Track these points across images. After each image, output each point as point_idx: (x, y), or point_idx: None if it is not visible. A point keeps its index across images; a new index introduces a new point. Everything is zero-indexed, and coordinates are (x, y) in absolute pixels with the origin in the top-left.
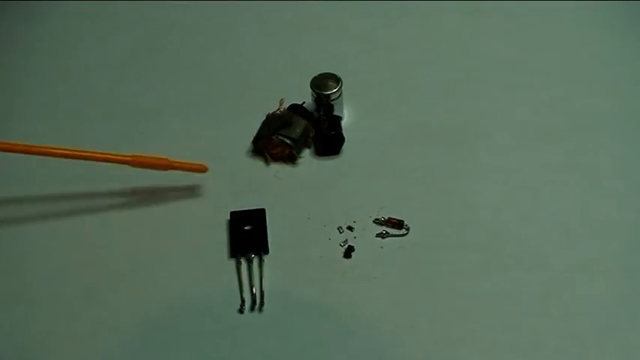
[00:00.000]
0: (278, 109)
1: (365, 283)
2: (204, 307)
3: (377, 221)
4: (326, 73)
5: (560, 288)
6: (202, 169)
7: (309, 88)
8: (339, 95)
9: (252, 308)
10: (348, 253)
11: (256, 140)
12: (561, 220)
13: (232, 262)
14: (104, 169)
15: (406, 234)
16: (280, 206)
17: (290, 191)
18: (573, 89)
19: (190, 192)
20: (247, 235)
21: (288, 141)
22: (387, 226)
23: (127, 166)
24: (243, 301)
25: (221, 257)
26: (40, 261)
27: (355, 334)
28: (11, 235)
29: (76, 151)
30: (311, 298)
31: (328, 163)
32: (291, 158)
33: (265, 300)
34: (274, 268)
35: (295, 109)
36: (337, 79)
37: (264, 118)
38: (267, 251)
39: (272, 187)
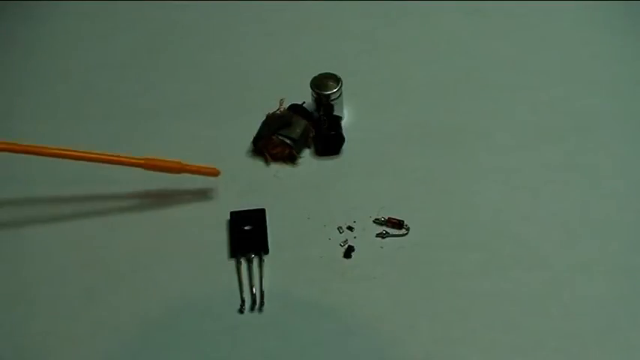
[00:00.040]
0: (278, 109)
1: (365, 283)
2: (204, 307)
3: (377, 221)
4: (326, 73)
5: (560, 288)
6: (215, 173)
7: (309, 88)
8: (339, 95)
9: (252, 308)
10: (348, 253)
11: (256, 140)
12: (561, 220)
13: (232, 262)
14: (103, 171)
15: (406, 234)
16: (280, 206)
17: (290, 191)
18: (573, 89)
19: (190, 192)
20: (247, 235)
21: (288, 141)
22: (387, 226)
23: (126, 167)
24: (243, 301)
25: (221, 257)
26: (40, 261)
27: (355, 334)
28: (11, 235)
29: (89, 153)
30: (311, 298)
31: (328, 163)
32: (291, 158)
33: (265, 300)
34: (274, 268)
35: (295, 109)
36: (337, 79)
37: (264, 118)
38: (267, 251)
39: (272, 187)
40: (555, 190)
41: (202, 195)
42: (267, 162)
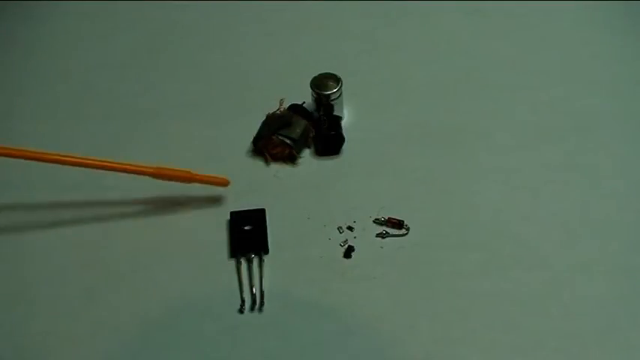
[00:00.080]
0: (278, 109)
1: (365, 283)
2: (204, 307)
3: (377, 221)
4: (326, 73)
5: (560, 288)
6: (224, 183)
7: (309, 88)
8: (339, 95)
9: (252, 308)
10: (348, 253)
11: (256, 140)
12: (561, 220)
13: (232, 262)
14: (102, 172)
15: (406, 234)
16: (280, 206)
17: (290, 191)
18: (573, 89)
19: (190, 192)
20: (247, 235)
21: (288, 141)
22: (387, 226)
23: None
24: (243, 301)
25: (221, 257)
26: (40, 261)
27: (355, 334)
28: (12, 235)
29: (99, 161)
30: (311, 298)
31: (328, 163)
32: (291, 158)
33: (265, 300)
34: (274, 268)
35: (295, 109)
36: (337, 79)
37: (264, 118)
38: (267, 251)
39: (272, 187)
40: (555, 190)
41: (202, 195)
42: (267, 162)
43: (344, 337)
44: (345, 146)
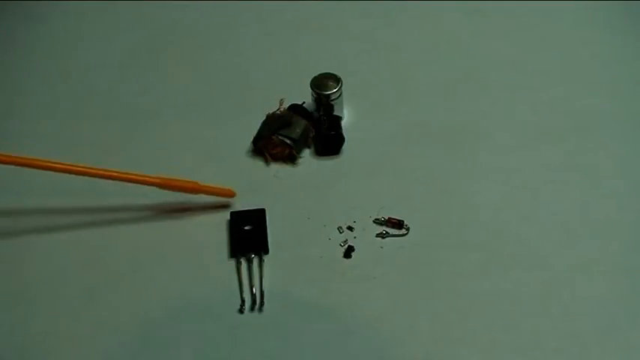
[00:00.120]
0: (278, 109)
1: (365, 283)
2: (204, 307)
3: (377, 221)
4: (326, 73)
5: (560, 288)
6: (230, 195)
7: (309, 88)
8: (339, 95)
9: (252, 308)
10: (348, 253)
11: (256, 140)
12: (561, 220)
13: (232, 262)
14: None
15: (406, 234)
16: (280, 206)
17: (290, 191)
18: (573, 89)
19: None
20: (247, 235)
21: (288, 141)
22: (387, 226)
23: (129, 167)
24: (243, 301)
25: (221, 257)
26: (40, 261)
27: (355, 334)
28: (12, 235)
29: (105, 171)
30: (311, 298)
31: (328, 163)
32: (291, 158)
33: (265, 300)
34: (274, 268)
35: (295, 109)
36: (337, 79)
37: (264, 118)
38: (267, 251)
39: (272, 187)
40: (555, 190)
41: (202, 195)
42: (267, 162)
43: (344, 337)
44: (345, 146)
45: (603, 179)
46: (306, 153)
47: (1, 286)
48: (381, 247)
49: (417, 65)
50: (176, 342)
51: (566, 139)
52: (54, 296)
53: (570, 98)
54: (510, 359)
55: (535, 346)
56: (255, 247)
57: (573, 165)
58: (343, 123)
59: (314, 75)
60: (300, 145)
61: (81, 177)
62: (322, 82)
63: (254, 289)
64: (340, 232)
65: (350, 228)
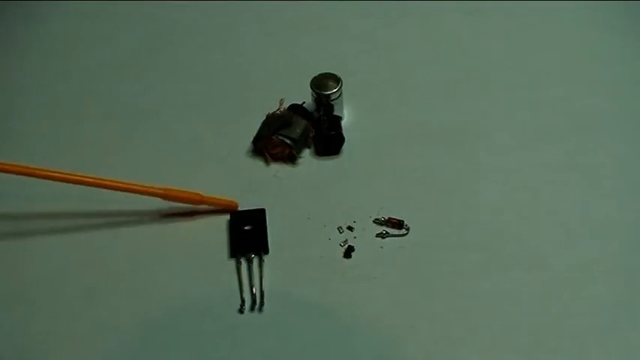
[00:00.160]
0: (278, 109)
1: (365, 283)
2: (204, 307)
3: (377, 221)
4: (326, 73)
5: (560, 288)
6: (233, 206)
7: (309, 88)
8: (339, 95)
9: (252, 308)
10: (348, 253)
11: (256, 140)
12: (561, 220)
13: (232, 262)
14: (103, 172)
15: (406, 234)
16: (280, 206)
17: (290, 191)
18: (573, 89)
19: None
20: (247, 235)
21: (288, 141)
22: (387, 226)
23: (129, 167)
24: (243, 301)
25: (221, 257)
26: (40, 261)
27: (355, 334)
28: (12, 235)
29: (109, 181)
30: (311, 298)
31: (328, 163)
32: (291, 158)
33: (265, 300)
34: (274, 268)
35: (295, 109)
36: (337, 79)
37: (264, 118)
38: (267, 251)
39: (272, 187)
40: (555, 190)
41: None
42: (267, 162)
43: (344, 337)
44: (345, 146)
45: (603, 179)
46: (306, 153)
47: (1, 286)
48: (381, 247)
49: (417, 65)
50: (176, 342)
51: (566, 139)
52: (54, 296)
53: (570, 98)
54: (510, 359)
55: (535, 346)
56: (255, 247)
57: (573, 165)
58: (343, 123)
59: (314, 75)
60: (300, 145)
61: None
62: (322, 82)
63: (254, 289)
64: (340, 232)
65: (350, 228)
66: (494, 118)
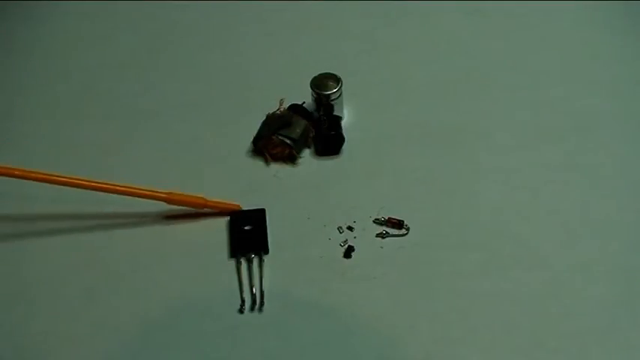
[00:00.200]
0: (278, 109)
1: (365, 283)
2: (204, 307)
3: (377, 221)
4: (326, 73)
5: (560, 288)
6: (237, 210)
7: (309, 88)
8: (339, 95)
9: (252, 308)
10: (348, 253)
11: (256, 140)
12: (561, 220)
13: (232, 262)
14: (103, 173)
15: (406, 234)
16: (280, 206)
17: (290, 191)
18: (573, 89)
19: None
20: (247, 235)
21: (288, 141)
22: (387, 226)
23: (129, 167)
24: (243, 301)
25: (221, 257)
26: (40, 261)
27: (355, 334)
28: (12, 235)
29: (113, 185)
30: (311, 298)
31: (328, 163)
32: (291, 158)
33: (265, 300)
34: (274, 268)
35: (295, 109)
36: (337, 79)
37: (264, 118)
38: (267, 251)
39: (272, 187)
40: (555, 190)
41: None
42: (267, 162)
43: (344, 337)
44: (345, 146)
45: (603, 179)
46: (306, 153)
47: (1, 286)
48: (381, 247)
49: (417, 65)
50: (176, 342)
51: (566, 139)
52: (54, 296)
53: (570, 98)
54: (510, 359)
55: (535, 346)
56: (255, 247)
57: (573, 165)
58: (343, 123)
59: (314, 75)
60: (300, 145)
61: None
62: (322, 82)
63: (254, 289)
64: (340, 232)
65: (350, 228)
66: (494, 118)
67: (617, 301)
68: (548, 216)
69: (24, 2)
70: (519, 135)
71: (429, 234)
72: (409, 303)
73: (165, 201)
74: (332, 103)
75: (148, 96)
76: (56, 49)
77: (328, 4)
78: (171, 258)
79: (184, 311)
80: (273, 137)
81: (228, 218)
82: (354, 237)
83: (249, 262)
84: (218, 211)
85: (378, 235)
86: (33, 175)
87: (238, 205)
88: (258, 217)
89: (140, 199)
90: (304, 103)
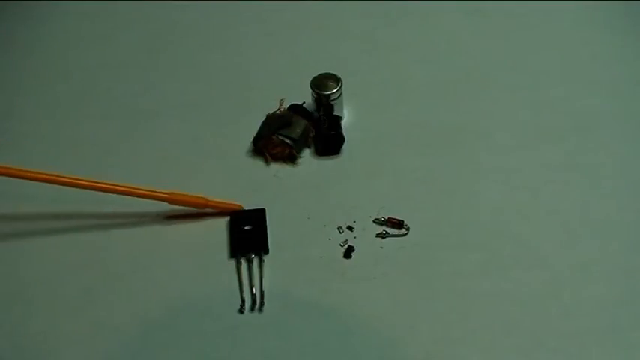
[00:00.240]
0: (278, 109)
1: (365, 283)
2: (204, 307)
3: (377, 221)
4: (326, 73)
5: (560, 288)
6: (238, 210)
7: (309, 88)
8: (339, 95)
9: (252, 308)
10: (348, 253)
11: (256, 140)
12: (561, 220)
13: (232, 262)
14: (102, 173)
15: (406, 234)
16: (280, 206)
17: (290, 191)
18: (573, 89)
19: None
20: (247, 235)
21: (288, 141)
22: (387, 226)
23: (129, 167)
24: (243, 301)
25: (221, 257)
26: (39, 261)
27: (355, 334)
28: (11, 235)
29: (115, 185)
30: (311, 298)
31: (328, 163)
32: (291, 158)
33: (265, 300)
34: (274, 268)
35: (295, 109)
36: (337, 79)
37: (264, 118)
38: (267, 251)
39: (272, 187)
40: (555, 190)
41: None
42: (267, 162)
43: (344, 337)
44: (345, 146)
45: (603, 179)
46: (306, 153)
47: (0, 286)
48: (381, 247)
49: (417, 65)
50: (176, 342)
51: (566, 139)
52: (53, 296)
53: (570, 98)
54: (510, 359)
55: (535, 346)
56: (255, 247)
57: (573, 165)
58: (343, 123)
59: (314, 75)
60: (300, 145)
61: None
62: (322, 82)
63: (254, 289)
64: (340, 232)
65: (350, 228)
66: (494, 118)
67: (617, 301)
68: (548, 216)
69: (24, 2)
70: (519, 135)
71: (429, 234)
72: (409, 303)
73: (166, 201)
74: (332, 103)
75: (147, 96)
76: (56, 49)
77: (328, 4)
78: (171, 258)
79: (184, 311)
80: (273, 137)
81: (228, 218)
82: (354, 237)
83: (249, 262)
84: (219, 212)
85: (378, 235)
86: (32, 175)
87: (240, 205)
88: (258, 217)
89: (140, 199)
90: (304, 103)
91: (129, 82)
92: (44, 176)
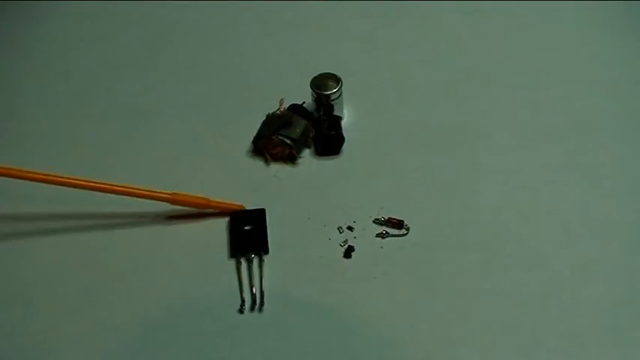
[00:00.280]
0: (278, 109)
1: (365, 283)
2: (204, 307)
3: (377, 221)
4: (326, 73)
5: (560, 288)
6: (240, 210)
7: (309, 88)
8: (339, 95)
9: (252, 308)
10: (348, 253)
11: (256, 140)
12: (561, 220)
13: (232, 262)
14: (103, 172)
15: (406, 234)
16: (280, 206)
17: (290, 191)
18: (573, 89)
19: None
20: (247, 235)
21: (288, 141)
22: (387, 226)
23: (129, 167)
24: (243, 301)
25: (221, 257)
26: (39, 261)
27: (355, 334)
28: (11, 235)
29: (116, 186)
30: (311, 298)
31: (328, 163)
32: (291, 158)
33: (265, 300)
34: (274, 268)
35: (295, 109)
36: (337, 79)
37: (264, 118)
38: (267, 251)
39: (272, 187)
40: (555, 190)
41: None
42: (267, 162)
43: (344, 337)
44: (345, 146)
45: (603, 179)
46: (306, 153)
47: (0, 286)
48: (381, 247)
49: (417, 65)
50: (176, 342)
51: (566, 139)
52: (53, 296)
53: (570, 98)
54: (510, 359)
55: (535, 346)
56: (255, 247)
57: (573, 165)
58: (343, 123)
59: (314, 75)
60: (300, 145)
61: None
62: (322, 82)
63: (254, 289)
64: (340, 232)
65: (350, 228)
66: (495, 118)
67: (617, 301)
68: (548, 216)
69: (24, 2)
70: (519, 135)
71: (429, 234)
72: (409, 303)
73: (168, 201)
74: (332, 103)
75: (147, 96)
76: (56, 49)
77: (328, 4)
78: (172, 258)
79: (184, 311)
80: (273, 137)
81: (228, 218)
82: (354, 237)
83: (249, 262)
84: (220, 212)
85: (378, 235)
86: (31, 175)
87: (241, 205)
88: (258, 217)
89: (139, 199)
90: (304, 103)
91: (129, 82)
92: (44, 176)
